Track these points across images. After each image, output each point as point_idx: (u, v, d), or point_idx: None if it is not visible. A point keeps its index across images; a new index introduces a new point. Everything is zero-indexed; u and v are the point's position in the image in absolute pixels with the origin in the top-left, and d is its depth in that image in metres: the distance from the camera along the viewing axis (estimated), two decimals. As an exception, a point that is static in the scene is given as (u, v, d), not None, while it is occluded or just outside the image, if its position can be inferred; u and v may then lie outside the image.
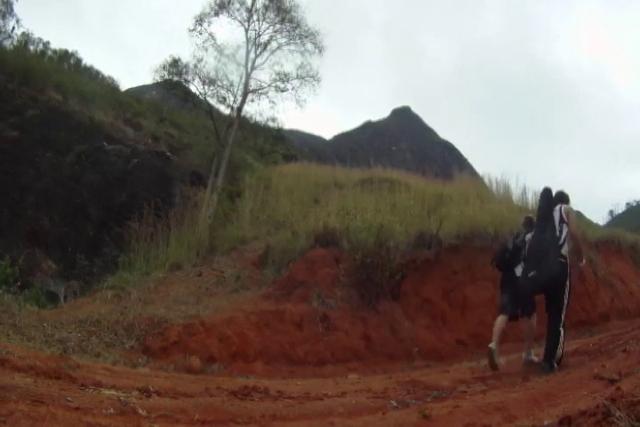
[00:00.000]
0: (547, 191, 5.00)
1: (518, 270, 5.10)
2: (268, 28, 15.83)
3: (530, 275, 4.51)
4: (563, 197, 4.95)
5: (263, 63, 15.78)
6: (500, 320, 5.22)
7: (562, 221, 4.61)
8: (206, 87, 15.44)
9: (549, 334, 4.50)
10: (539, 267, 4.45)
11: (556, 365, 4.41)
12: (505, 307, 5.31)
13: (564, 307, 4.51)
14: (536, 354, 5.34)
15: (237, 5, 15.68)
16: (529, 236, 5.15)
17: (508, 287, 5.33)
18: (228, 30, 28.37)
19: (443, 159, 41.16)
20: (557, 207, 4.74)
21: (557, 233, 4.55)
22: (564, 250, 4.55)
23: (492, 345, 4.95)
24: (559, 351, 4.43)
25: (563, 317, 4.52)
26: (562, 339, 4.50)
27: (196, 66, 15.29)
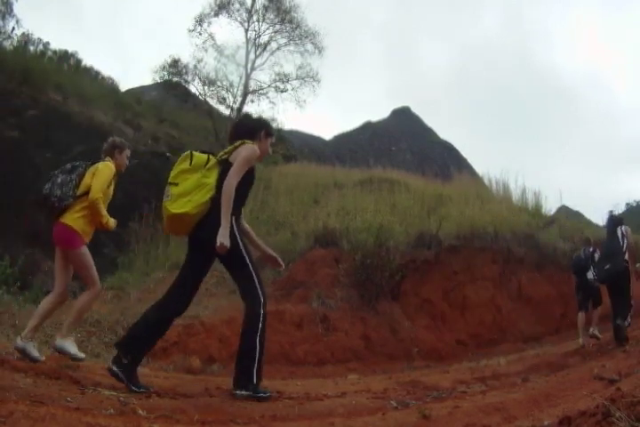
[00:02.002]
0: (611, 216, 7.03)
1: (589, 274, 6.70)
2: (267, 29, 15.89)
3: (605, 268, 6.17)
4: (621, 220, 6.66)
5: (263, 64, 15.85)
6: (581, 316, 6.96)
7: (623, 236, 6.25)
8: (206, 88, 15.51)
9: (620, 307, 5.99)
10: (611, 263, 6.11)
11: (627, 323, 5.93)
12: (582, 304, 7.04)
13: (629, 294, 6.08)
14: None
15: (237, 6, 15.75)
16: (591, 249, 6.98)
17: (582, 289, 6.98)
18: (227, 31, 28.57)
19: (442, 160, 41.16)
20: (620, 227, 6.36)
21: (621, 244, 6.19)
22: (626, 256, 6.14)
23: (582, 340, 6.73)
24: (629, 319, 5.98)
25: (630, 300, 6.08)
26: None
27: (195, 66, 15.37)
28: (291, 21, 15.80)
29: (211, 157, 3.15)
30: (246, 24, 15.62)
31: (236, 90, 15.69)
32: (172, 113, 18.29)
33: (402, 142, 45.71)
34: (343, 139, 44.81)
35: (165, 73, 15.42)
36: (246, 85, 15.58)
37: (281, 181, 14.48)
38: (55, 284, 3.82)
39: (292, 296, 8.03)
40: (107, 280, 8.87)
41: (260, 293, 3.25)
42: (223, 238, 2.91)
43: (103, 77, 20.81)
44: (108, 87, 19.41)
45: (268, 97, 16.00)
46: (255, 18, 15.72)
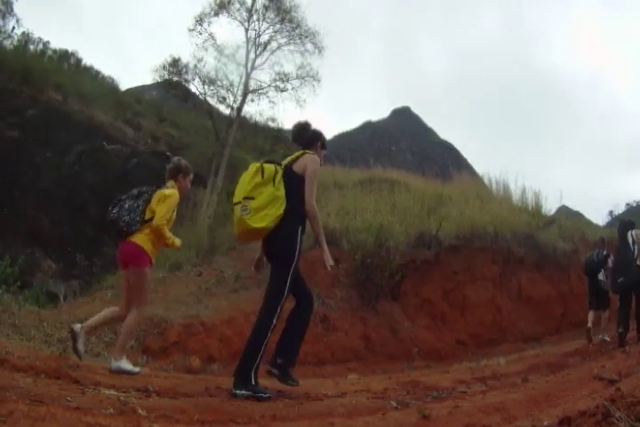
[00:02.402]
0: (621, 220, 7.02)
1: (601, 275, 7.08)
2: (267, 28, 15.83)
3: (619, 281, 6.32)
4: (632, 224, 6.61)
5: (263, 63, 15.79)
6: (591, 314, 7.25)
7: (634, 242, 6.27)
8: (206, 87, 15.44)
9: (625, 314, 6.20)
10: (624, 275, 6.22)
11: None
12: (592, 304, 7.33)
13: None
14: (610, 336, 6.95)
15: (237, 5, 15.68)
16: (605, 252, 7.18)
17: (593, 289, 7.29)
18: (227, 30, 28.45)
19: (442, 159, 41.15)
20: (630, 232, 6.38)
21: (632, 250, 6.24)
22: (638, 262, 6.18)
23: (589, 325, 7.02)
24: None
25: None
26: None
27: (195, 66, 15.29)
28: (291, 21, 15.77)
29: (278, 167, 3.28)
30: (246, 23, 15.58)
31: (236, 89, 15.65)
32: (171, 112, 18.29)
33: (402, 142, 45.71)
34: (343, 138, 44.79)
35: (165, 72, 15.36)
36: (246, 85, 15.54)
37: (281, 181, 14.45)
38: (120, 303, 4.03)
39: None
40: (107, 279, 8.87)
41: (281, 301, 3.43)
42: (331, 260, 3.50)
43: (103, 77, 20.81)
44: (108, 87, 19.40)
45: (268, 96, 15.96)
46: (255, 17, 15.68)
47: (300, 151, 3.43)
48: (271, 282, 3.44)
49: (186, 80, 15.56)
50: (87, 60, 28.31)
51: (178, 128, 17.45)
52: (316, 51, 15.87)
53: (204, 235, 10.94)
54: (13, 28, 15.14)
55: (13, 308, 6.42)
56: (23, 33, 16.08)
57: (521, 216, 11.49)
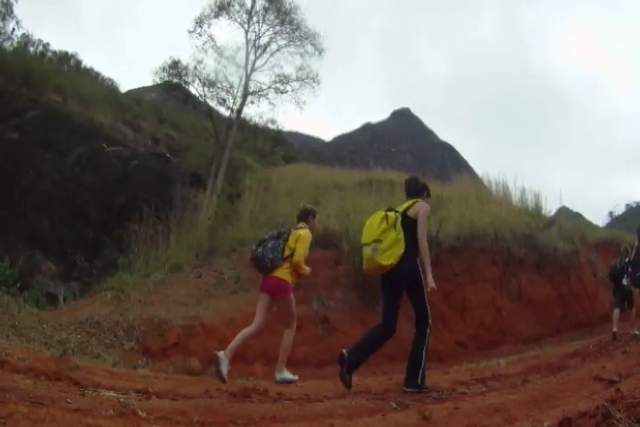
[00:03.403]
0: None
1: (624, 281, 7.74)
2: (267, 30, 15.86)
3: (638, 274, 7.17)
4: None
5: (263, 65, 15.81)
6: (616, 313, 7.80)
7: None
8: (206, 89, 15.46)
9: None
10: None
11: None
12: (618, 304, 7.94)
13: None
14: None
15: (237, 7, 15.71)
16: (627, 259, 7.85)
17: (618, 291, 8.00)
18: (227, 32, 28.50)
19: (442, 161, 41.17)
20: None
21: None
22: None
23: (615, 322, 7.58)
24: None
25: None
26: None
27: (195, 68, 15.32)
28: (291, 23, 15.79)
29: (397, 214, 4.00)
30: (246, 25, 15.60)
31: (235, 91, 15.67)
32: (171, 114, 18.30)
33: (402, 144, 45.73)
34: (343, 140, 44.82)
35: (165, 74, 15.37)
36: (246, 87, 15.56)
37: (281, 183, 14.48)
38: (256, 320, 4.66)
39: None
40: (107, 281, 8.87)
41: (429, 315, 4.21)
42: (433, 284, 4.06)
43: (103, 78, 20.85)
44: (108, 88, 19.43)
45: (267, 98, 15.98)
46: (255, 19, 15.70)
47: (413, 200, 4.18)
48: (414, 305, 4.28)
49: (186, 82, 15.59)
50: (87, 61, 28.37)
51: (178, 130, 17.47)
52: (316, 52, 15.91)
53: (203, 236, 10.94)
54: (13, 29, 15.17)
55: (13, 309, 6.42)
56: (23, 35, 16.13)
57: (521, 217, 11.50)
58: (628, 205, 57.92)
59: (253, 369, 6.32)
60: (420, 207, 4.08)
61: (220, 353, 4.14)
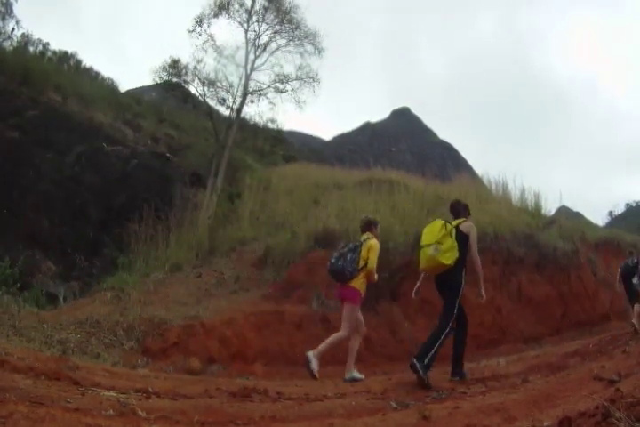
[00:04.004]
0: None
1: (635, 280, 8.01)
2: (267, 30, 15.85)
3: None
4: None
5: (263, 64, 15.80)
6: (637, 307, 7.76)
7: None
8: (206, 88, 15.46)
9: None
10: None
11: None
12: (631, 301, 8.22)
13: None
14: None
15: (237, 6, 15.70)
16: (636, 259, 8.34)
17: (629, 290, 8.30)
18: (227, 31, 28.50)
19: (442, 160, 41.16)
20: None
21: None
22: None
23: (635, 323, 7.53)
24: None
25: None
26: None
27: (195, 67, 15.31)
28: (290, 22, 15.78)
29: (452, 227, 4.60)
30: (246, 25, 15.60)
31: (235, 90, 15.66)
32: (171, 114, 18.29)
33: (401, 143, 45.73)
34: (343, 139, 44.83)
35: (165, 74, 15.37)
36: (246, 86, 15.55)
37: (281, 182, 14.48)
38: (344, 326, 5.23)
39: (291, 297, 8.03)
40: (107, 281, 8.87)
41: (453, 317, 4.60)
42: (485, 293, 4.94)
43: (103, 78, 20.85)
44: (108, 88, 19.42)
45: (267, 97, 15.99)
46: (255, 18, 15.70)
47: (462, 219, 4.85)
48: (445, 305, 4.63)
49: (185, 81, 15.59)
50: (87, 61, 28.34)
51: (178, 129, 17.46)
52: (316, 52, 15.90)
53: (203, 236, 10.95)
54: (13, 29, 15.18)
55: (13, 309, 6.41)
56: (23, 34, 16.15)
57: (521, 217, 11.49)
58: (627, 204, 57.98)
59: (253, 369, 6.33)
60: (470, 227, 4.79)
61: (310, 353, 4.68)
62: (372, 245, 5.08)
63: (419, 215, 10.72)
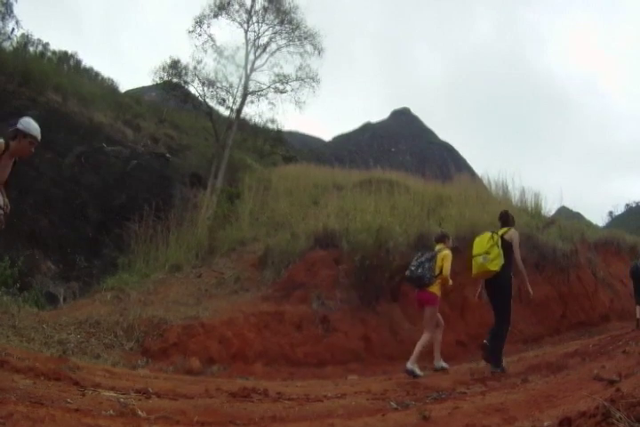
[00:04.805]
0: None
1: None
2: (267, 30, 15.86)
3: None
4: None
5: (262, 65, 15.81)
6: (638, 308, 8.48)
7: None
8: (206, 89, 15.47)
9: None
10: None
11: None
12: (638, 300, 8.61)
13: None
14: None
15: (237, 7, 15.71)
16: None
17: (638, 288, 8.66)
18: (227, 32, 28.53)
19: (442, 160, 41.16)
20: None
21: None
22: None
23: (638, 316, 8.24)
24: None
25: None
26: None
27: (195, 67, 15.32)
28: (290, 22, 15.79)
29: (498, 236, 5.37)
30: (246, 25, 15.61)
31: (235, 91, 15.68)
32: (171, 114, 18.28)
33: (401, 143, 45.75)
34: (343, 140, 44.84)
35: (165, 74, 15.39)
36: (246, 86, 15.56)
37: (280, 182, 14.47)
38: (426, 328, 5.69)
39: (291, 297, 8.02)
40: (106, 281, 8.86)
41: (510, 316, 5.47)
42: (532, 291, 5.76)
43: (103, 78, 20.84)
44: (108, 88, 19.41)
45: (267, 98, 16.00)
46: (255, 19, 15.70)
47: (508, 228, 5.59)
48: (498, 307, 5.49)
49: (185, 82, 15.59)
50: (87, 61, 28.36)
51: (177, 129, 17.45)
52: (316, 52, 15.91)
53: (203, 236, 10.94)
54: (13, 29, 15.17)
55: (13, 309, 6.41)
56: (23, 34, 16.12)
57: (520, 217, 11.47)
58: (627, 204, 58.00)
59: (253, 369, 6.32)
60: (513, 235, 5.50)
61: (409, 365, 5.19)
62: (445, 254, 5.73)
63: (419, 215, 10.72)
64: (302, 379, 5.11)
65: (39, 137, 4.11)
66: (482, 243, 5.39)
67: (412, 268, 5.74)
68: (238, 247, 10.80)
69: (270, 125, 17.70)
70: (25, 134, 4.02)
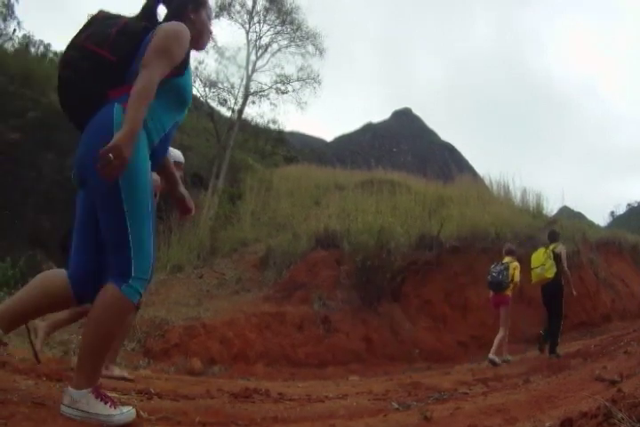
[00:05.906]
0: None
1: None
2: (268, 30, 15.88)
3: None
4: None
5: (264, 65, 15.83)
6: None
7: None
8: (207, 89, 15.50)
9: None
10: None
11: None
12: None
13: None
14: None
15: (238, 7, 15.73)
16: None
17: None
18: (228, 32, 28.53)
19: (444, 161, 41.15)
20: None
21: None
22: None
23: None
24: None
25: None
26: None
27: (196, 68, 15.33)
28: (292, 23, 15.81)
29: (550, 250, 6.61)
30: (247, 25, 15.63)
31: (237, 91, 15.71)
32: (172, 114, 18.24)
33: (403, 144, 45.75)
34: (344, 140, 44.84)
35: (166, 74, 15.38)
36: (247, 87, 15.58)
37: (282, 183, 14.48)
38: (503, 326, 6.75)
39: (292, 298, 8.03)
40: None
41: (562, 314, 6.65)
42: (574, 292, 6.71)
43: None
44: (109, 89, 19.36)
45: (269, 98, 16.02)
46: (256, 19, 15.72)
47: (557, 243, 6.82)
48: (553, 306, 6.64)
49: (186, 82, 15.58)
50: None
51: (179, 130, 17.37)
52: (317, 52, 15.93)
53: (205, 237, 10.95)
54: (14, 30, 15.20)
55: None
56: (24, 35, 16.13)
57: (522, 217, 11.47)
58: (629, 204, 57.97)
59: (255, 370, 6.32)
60: (562, 249, 6.71)
61: (491, 356, 6.28)
62: (516, 265, 6.76)
63: (420, 216, 10.72)
64: (303, 379, 5.11)
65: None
66: (538, 257, 6.66)
67: (495, 274, 6.71)
68: (240, 248, 10.81)
69: (272, 126, 17.73)
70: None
